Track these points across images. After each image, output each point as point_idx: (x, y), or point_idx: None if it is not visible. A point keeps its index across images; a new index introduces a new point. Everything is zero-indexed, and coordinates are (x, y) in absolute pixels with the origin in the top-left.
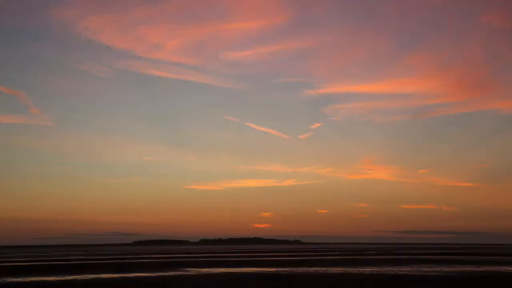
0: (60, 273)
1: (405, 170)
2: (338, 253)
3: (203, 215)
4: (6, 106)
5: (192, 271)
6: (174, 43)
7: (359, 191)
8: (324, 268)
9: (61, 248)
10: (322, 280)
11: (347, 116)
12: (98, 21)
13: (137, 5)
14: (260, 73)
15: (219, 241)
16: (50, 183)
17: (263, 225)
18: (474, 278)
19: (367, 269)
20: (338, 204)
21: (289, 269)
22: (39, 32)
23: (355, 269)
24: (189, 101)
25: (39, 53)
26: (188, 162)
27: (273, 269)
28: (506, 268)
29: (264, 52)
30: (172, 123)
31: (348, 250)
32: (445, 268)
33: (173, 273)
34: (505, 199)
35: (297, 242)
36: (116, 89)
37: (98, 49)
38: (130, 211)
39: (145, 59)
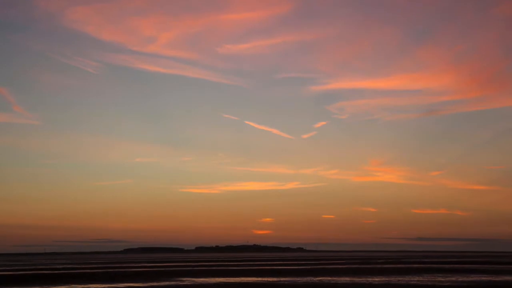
0: (45, 283)
1: (416, 172)
2: (344, 261)
3: (199, 220)
4: None
5: (187, 281)
6: (168, 36)
7: (367, 194)
8: (330, 278)
9: (45, 256)
10: None
11: (353, 114)
12: (86, 12)
13: None
14: (260, 68)
15: (217, 249)
16: (34, 185)
17: (264, 232)
18: None
19: (376, 279)
20: (344, 209)
21: (291, 279)
22: (23, 23)
23: (363, 279)
24: (184, 98)
25: (23, 46)
26: (184, 164)
27: (275, 279)
28: None
29: (264, 45)
30: (166, 122)
31: (355, 258)
32: (459, 278)
33: (166, 283)
34: None
35: (300, 249)
36: (106, 85)
37: (87, 42)
38: (120, 216)
39: (137, 53)
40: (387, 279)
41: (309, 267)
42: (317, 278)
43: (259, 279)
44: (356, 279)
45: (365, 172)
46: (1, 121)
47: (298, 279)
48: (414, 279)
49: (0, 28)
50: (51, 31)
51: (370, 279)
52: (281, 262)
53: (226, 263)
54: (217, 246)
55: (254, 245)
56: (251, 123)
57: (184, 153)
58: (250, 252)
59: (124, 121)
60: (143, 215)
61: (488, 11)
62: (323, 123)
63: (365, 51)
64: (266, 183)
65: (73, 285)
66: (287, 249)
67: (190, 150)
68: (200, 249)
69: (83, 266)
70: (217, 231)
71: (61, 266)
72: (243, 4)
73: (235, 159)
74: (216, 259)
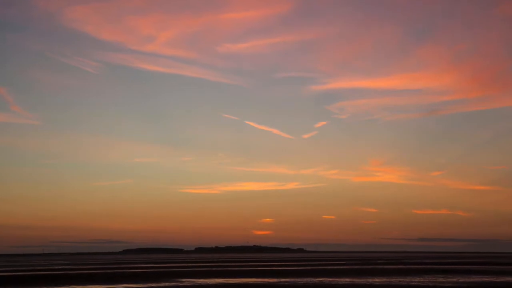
0: (44, 284)
1: (417, 172)
2: (344, 262)
3: (198, 221)
4: None
5: (187, 282)
6: (167, 35)
7: (367, 195)
8: (330, 279)
9: (43, 257)
10: None
11: (354, 113)
12: (85, 11)
13: None
14: (260, 67)
15: (216, 250)
16: (32, 185)
17: (264, 232)
18: None
19: (376, 280)
20: (344, 209)
21: (292, 279)
22: (21, 23)
23: (363, 280)
24: (184, 97)
25: (22, 46)
26: (183, 164)
27: (275, 280)
28: None
29: (264, 44)
30: (165, 122)
31: (355, 259)
32: (461, 279)
33: (166, 284)
34: None
35: (300, 250)
36: (105, 85)
37: (86, 41)
38: (119, 216)
39: (136, 52)
40: (388, 280)
41: (309, 268)
42: (317, 279)
43: (259, 280)
44: (357, 280)
45: (365, 172)
46: None
47: (298, 280)
48: (415, 280)
49: None
50: (50, 30)
51: (371, 280)
52: (281, 263)
53: (226, 264)
54: (216, 247)
55: (254, 245)
56: (251, 123)
57: (184, 153)
58: (250, 253)
59: (123, 121)
60: (142, 215)
61: (490, 10)
62: (323, 123)
63: (365, 51)
64: (266, 183)
65: (71, 286)
66: (287, 250)
67: (189, 150)
68: (199, 250)
69: (82, 267)
70: (217, 232)
71: (59, 267)
72: (243, 3)
73: (235, 159)
74: (216, 260)
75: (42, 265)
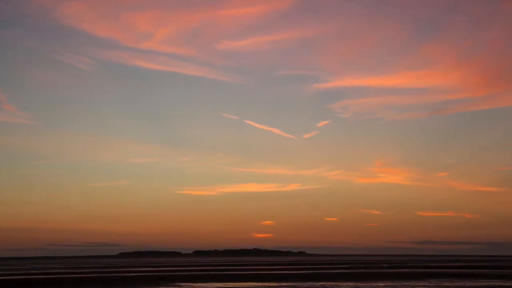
0: None
1: (422, 173)
2: (347, 266)
3: (197, 223)
4: None
5: (185, 286)
6: (165, 32)
7: (371, 196)
8: (332, 283)
9: (37, 261)
10: None
11: (357, 112)
12: (80, 7)
13: None
14: (260, 65)
15: (215, 253)
16: (25, 186)
17: (264, 235)
18: None
19: (380, 284)
20: (347, 211)
21: (293, 283)
22: (14, 19)
23: (367, 284)
24: (182, 96)
25: (15, 43)
26: (181, 164)
27: (275, 284)
28: None
29: (264, 41)
30: (163, 121)
31: (359, 262)
32: (468, 283)
33: None
34: None
35: (302, 253)
36: (100, 83)
37: (81, 38)
38: (115, 219)
39: (132, 49)
40: (392, 284)
41: (311, 271)
42: (319, 283)
43: (259, 284)
44: (360, 284)
45: (369, 173)
46: None
47: (299, 284)
48: (420, 284)
49: None
50: (44, 27)
51: (375, 284)
52: (282, 267)
53: (225, 267)
54: (215, 250)
55: (254, 249)
56: (251, 123)
57: (182, 154)
58: (250, 256)
59: (119, 120)
60: (139, 217)
61: (498, 5)
62: (326, 122)
63: (369, 48)
64: (266, 184)
65: None
66: (288, 253)
67: (188, 151)
68: (198, 253)
69: (77, 270)
70: (216, 234)
71: (53, 271)
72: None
73: (234, 160)
74: (214, 263)
75: (36, 268)
